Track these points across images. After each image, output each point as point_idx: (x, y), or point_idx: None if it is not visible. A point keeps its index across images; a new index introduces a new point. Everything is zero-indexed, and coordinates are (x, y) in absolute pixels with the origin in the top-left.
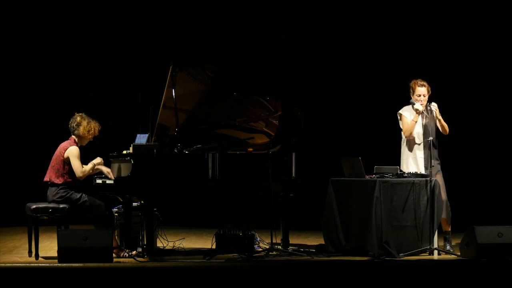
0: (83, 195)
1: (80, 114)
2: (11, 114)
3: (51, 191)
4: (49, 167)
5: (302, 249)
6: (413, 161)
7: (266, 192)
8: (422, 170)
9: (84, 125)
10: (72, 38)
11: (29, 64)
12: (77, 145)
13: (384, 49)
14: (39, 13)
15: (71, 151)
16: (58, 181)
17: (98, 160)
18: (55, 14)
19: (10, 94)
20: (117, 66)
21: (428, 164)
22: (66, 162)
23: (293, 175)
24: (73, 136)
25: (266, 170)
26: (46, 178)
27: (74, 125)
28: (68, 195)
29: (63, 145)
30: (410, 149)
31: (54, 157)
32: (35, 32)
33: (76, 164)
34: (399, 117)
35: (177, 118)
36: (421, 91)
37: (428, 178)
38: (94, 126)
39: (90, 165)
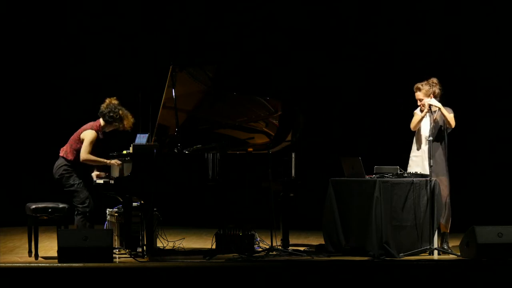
0: (80, 184)
1: (120, 107)
2: (12, 114)
3: (57, 164)
4: (69, 140)
5: (302, 249)
6: (418, 160)
7: (266, 192)
8: (426, 169)
9: (126, 121)
10: (73, 38)
11: (29, 64)
12: (97, 131)
13: (385, 49)
14: (39, 12)
15: (87, 134)
16: (69, 157)
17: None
18: (55, 13)
19: (11, 94)
20: (117, 66)
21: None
22: (81, 140)
23: (293, 175)
24: (100, 120)
25: (266, 170)
26: (61, 152)
27: (114, 116)
28: (67, 174)
29: (87, 125)
30: (418, 148)
31: (75, 134)
32: (36, 31)
33: (86, 146)
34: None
35: (177, 118)
36: (418, 95)
37: (428, 178)
38: (132, 122)
39: (102, 159)
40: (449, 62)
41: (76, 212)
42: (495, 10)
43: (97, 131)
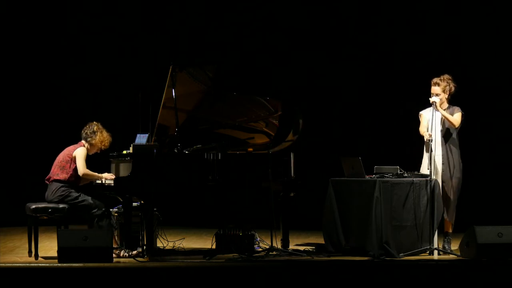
0: (82, 194)
1: (97, 123)
2: (12, 114)
3: (51, 189)
4: (53, 166)
5: (302, 249)
6: (430, 160)
7: (266, 192)
8: (439, 169)
9: (100, 136)
10: (73, 38)
11: (29, 64)
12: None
13: (385, 49)
14: (39, 12)
15: (78, 151)
16: (62, 177)
17: (108, 176)
18: (55, 13)
19: (11, 94)
20: (117, 66)
21: (428, 164)
22: (74, 161)
23: (293, 175)
24: (82, 142)
25: (266, 170)
26: (49, 176)
27: (89, 132)
28: (66, 193)
29: (71, 147)
30: (427, 148)
31: (60, 158)
32: (36, 31)
33: (80, 163)
34: (419, 117)
35: (177, 118)
36: (434, 90)
37: (428, 178)
38: (107, 138)
39: (97, 174)
40: (449, 62)
41: (96, 221)
42: (495, 10)
43: (85, 148)
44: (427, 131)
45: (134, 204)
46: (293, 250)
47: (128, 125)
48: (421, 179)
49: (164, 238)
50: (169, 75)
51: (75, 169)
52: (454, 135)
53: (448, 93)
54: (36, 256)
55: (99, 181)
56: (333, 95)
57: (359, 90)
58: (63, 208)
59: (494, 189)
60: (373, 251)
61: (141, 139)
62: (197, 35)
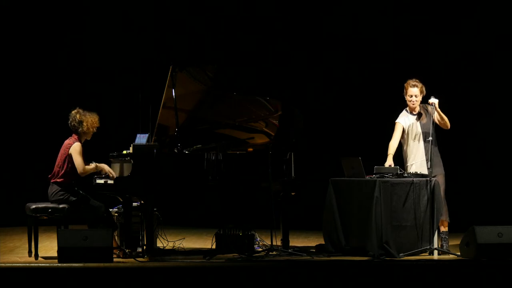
0: (81, 196)
1: (77, 110)
2: (12, 114)
3: (51, 190)
4: (56, 165)
5: (302, 249)
6: (418, 164)
7: (266, 192)
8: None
9: (87, 121)
10: (73, 38)
11: (29, 64)
12: (80, 142)
13: (384, 49)
14: (39, 12)
15: (73, 148)
16: (60, 180)
17: (104, 166)
18: (56, 13)
19: (11, 94)
20: (117, 66)
21: (428, 164)
22: (69, 159)
23: (293, 175)
24: (74, 134)
25: (266, 170)
26: (51, 175)
27: (75, 123)
28: (65, 197)
29: (67, 142)
30: (412, 151)
31: (59, 155)
32: (36, 31)
33: (78, 160)
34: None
35: (177, 118)
36: (413, 91)
37: (428, 178)
38: (94, 119)
39: (92, 165)
40: (449, 62)
41: (96, 221)
42: (495, 10)
43: (79, 141)
44: (409, 134)
45: (134, 204)
46: (293, 250)
47: (128, 125)
48: (421, 179)
49: (164, 238)
50: (169, 75)
51: (72, 168)
52: (435, 135)
53: (422, 94)
54: (36, 256)
55: (100, 181)
56: (333, 95)
57: (359, 90)
58: (63, 208)
59: (494, 189)
60: (373, 251)
61: (141, 139)
62: (197, 35)
